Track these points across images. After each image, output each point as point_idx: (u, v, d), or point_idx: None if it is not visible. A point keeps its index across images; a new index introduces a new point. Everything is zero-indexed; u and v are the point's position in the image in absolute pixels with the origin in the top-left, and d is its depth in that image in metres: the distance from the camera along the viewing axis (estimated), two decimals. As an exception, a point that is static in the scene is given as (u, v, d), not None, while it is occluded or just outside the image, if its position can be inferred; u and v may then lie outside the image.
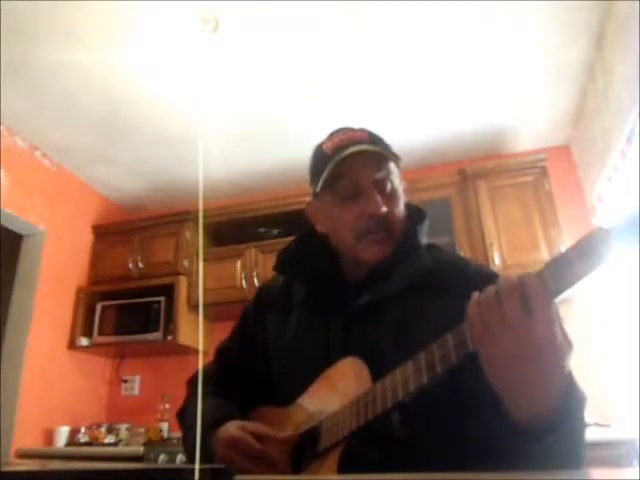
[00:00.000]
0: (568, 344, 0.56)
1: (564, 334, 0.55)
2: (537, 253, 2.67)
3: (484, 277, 0.78)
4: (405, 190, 0.89)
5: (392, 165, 0.85)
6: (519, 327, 0.53)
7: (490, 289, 0.57)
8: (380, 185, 0.83)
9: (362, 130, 0.88)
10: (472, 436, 0.66)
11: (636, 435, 2.04)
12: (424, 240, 0.88)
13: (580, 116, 2.96)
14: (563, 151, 3.24)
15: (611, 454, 1.97)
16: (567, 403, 0.57)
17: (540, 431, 0.56)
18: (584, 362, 2.41)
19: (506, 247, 2.77)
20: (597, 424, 2.31)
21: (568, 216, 2.84)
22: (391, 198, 0.84)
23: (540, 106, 2.92)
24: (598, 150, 2.67)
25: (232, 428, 0.77)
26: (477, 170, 2.96)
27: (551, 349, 0.54)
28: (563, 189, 2.99)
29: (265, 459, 0.73)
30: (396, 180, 0.86)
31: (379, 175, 0.83)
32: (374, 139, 0.86)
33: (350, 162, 0.82)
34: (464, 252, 2.79)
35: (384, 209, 0.81)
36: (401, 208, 0.86)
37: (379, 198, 0.82)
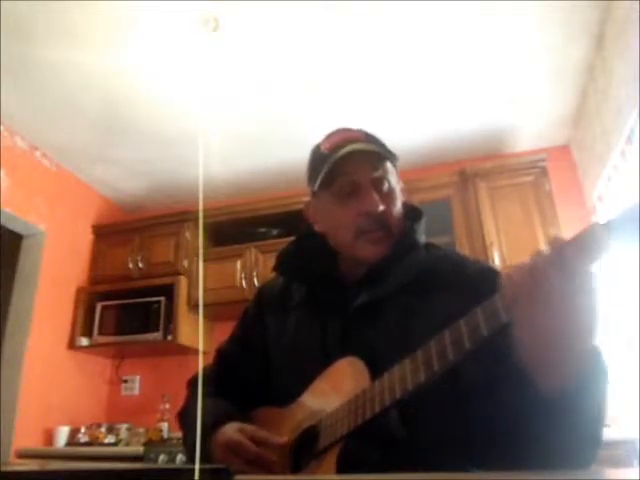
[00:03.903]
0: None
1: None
2: (537, 253, 2.67)
3: (483, 274, 0.79)
4: (402, 190, 0.90)
5: (389, 164, 0.86)
6: (560, 298, 0.54)
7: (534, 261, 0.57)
8: (377, 184, 0.84)
9: (359, 130, 0.89)
10: (500, 418, 0.63)
11: (636, 435, 2.05)
12: (422, 239, 0.89)
13: (580, 116, 2.96)
14: (563, 151, 3.24)
15: (611, 454, 1.97)
16: (596, 363, 0.59)
17: (570, 394, 0.57)
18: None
19: (506, 247, 2.77)
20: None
21: (568, 216, 2.83)
22: (388, 197, 0.85)
23: (540, 106, 2.92)
24: (598, 150, 2.67)
25: (231, 431, 0.77)
26: (477, 170, 2.96)
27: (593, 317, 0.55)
28: (563, 189, 2.99)
29: (263, 462, 0.73)
30: (393, 179, 0.87)
31: (376, 174, 0.84)
32: (370, 139, 0.87)
33: (348, 161, 0.82)
34: (464, 252, 2.78)
35: (381, 207, 0.82)
36: (398, 207, 0.87)
37: (376, 196, 0.82)
